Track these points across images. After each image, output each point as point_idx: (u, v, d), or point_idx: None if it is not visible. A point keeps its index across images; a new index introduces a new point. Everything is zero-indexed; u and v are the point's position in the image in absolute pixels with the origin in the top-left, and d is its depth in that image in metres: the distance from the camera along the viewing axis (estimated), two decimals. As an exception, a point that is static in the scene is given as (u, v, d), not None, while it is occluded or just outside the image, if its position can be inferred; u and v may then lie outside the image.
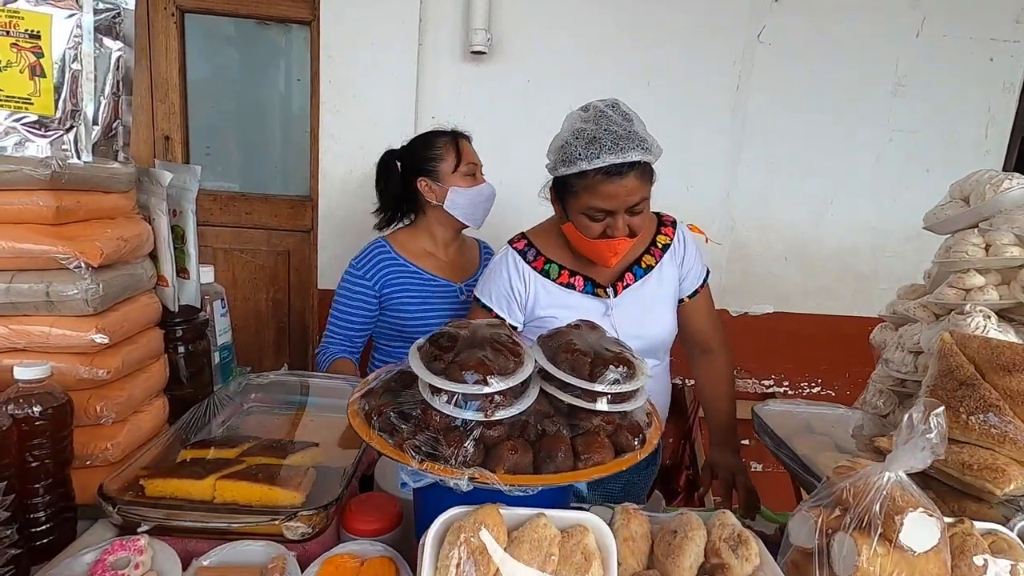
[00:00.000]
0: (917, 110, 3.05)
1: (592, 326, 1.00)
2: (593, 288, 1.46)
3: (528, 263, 1.49)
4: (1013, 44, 3.06)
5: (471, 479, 0.78)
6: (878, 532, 0.78)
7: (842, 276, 3.24)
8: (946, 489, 1.15)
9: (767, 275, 3.19)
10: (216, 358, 1.50)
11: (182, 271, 1.27)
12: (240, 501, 0.98)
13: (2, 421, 0.83)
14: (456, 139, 1.85)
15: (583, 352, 0.89)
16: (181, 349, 1.30)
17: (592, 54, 2.88)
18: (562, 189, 1.38)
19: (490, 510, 0.74)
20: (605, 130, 1.26)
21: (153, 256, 1.20)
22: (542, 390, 0.91)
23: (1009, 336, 1.26)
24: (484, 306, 1.52)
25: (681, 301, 1.55)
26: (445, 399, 0.85)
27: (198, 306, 1.31)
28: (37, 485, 0.91)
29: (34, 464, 0.90)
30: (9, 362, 0.92)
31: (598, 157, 1.25)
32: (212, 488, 0.99)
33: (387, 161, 1.90)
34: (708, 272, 1.61)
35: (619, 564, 0.78)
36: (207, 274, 1.52)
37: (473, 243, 2.04)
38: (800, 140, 3.04)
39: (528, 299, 1.48)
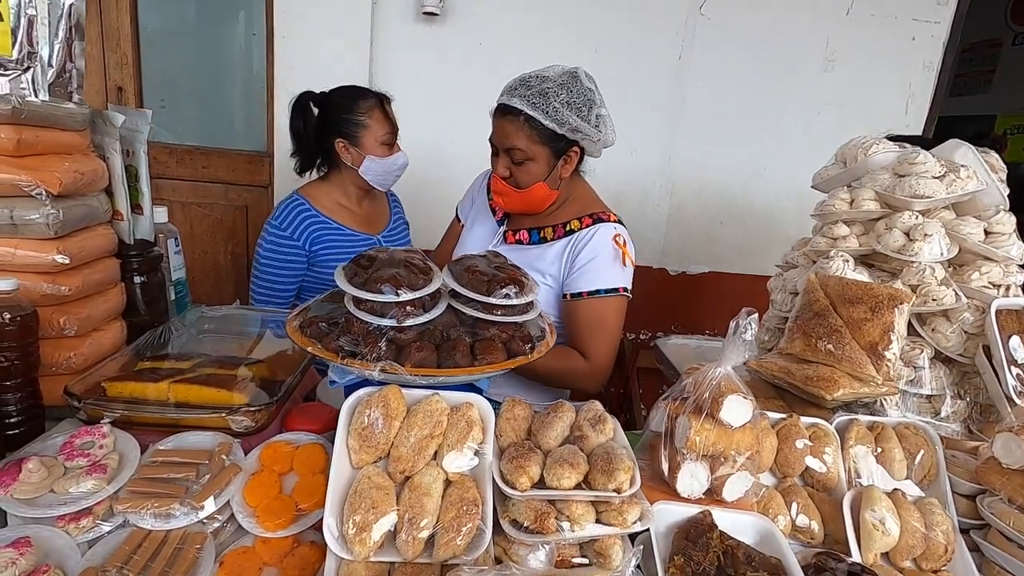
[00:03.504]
0: (844, 85, 3.28)
1: (496, 255, 1.17)
2: (502, 224, 1.61)
3: (487, 180, 1.67)
4: (934, 24, 3.29)
5: (383, 371, 0.96)
6: (706, 412, 1.00)
7: (771, 237, 3.49)
8: (796, 399, 1.39)
9: (704, 237, 3.43)
10: (172, 293, 1.63)
11: (136, 207, 1.39)
12: (192, 401, 1.14)
13: (-25, 325, 0.96)
14: (381, 104, 1.84)
15: (482, 273, 1.07)
16: (137, 279, 1.43)
17: (543, 19, 2.99)
18: None
19: (393, 389, 0.92)
20: (524, 78, 1.40)
21: (109, 192, 1.32)
22: (450, 305, 1.09)
23: (861, 276, 1.50)
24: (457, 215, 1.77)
25: (564, 297, 1.52)
26: (364, 308, 1.02)
27: (151, 240, 1.43)
28: (8, 383, 1.05)
29: (5, 364, 1.04)
30: (-22, 278, 1.04)
31: (502, 95, 1.41)
32: (167, 390, 1.14)
33: (304, 105, 1.85)
34: (617, 291, 1.50)
35: (500, 436, 0.98)
36: (161, 214, 1.64)
37: (381, 193, 2.05)
38: (736, 110, 3.24)
39: (475, 205, 1.69)
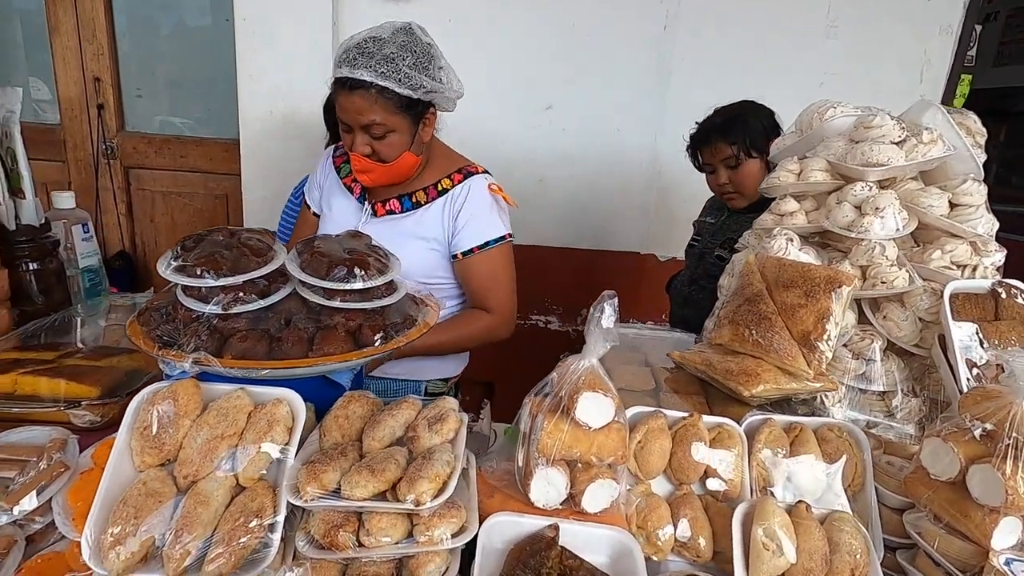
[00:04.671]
0: (849, 53, 3.01)
1: (356, 234, 1.06)
2: (365, 199, 1.50)
3: (334, 157, 1.57)
4: (952, -16, 2.98)
5: (195, 362, 0.87)
6: (561, 411, 0.87)
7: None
8: (720, 395, 1.23)
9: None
10: (83, 280, 1.59)
11: (17, 191, 1.33)
12: (40, 393, 1.08)
13: None
14: None
15: (322, 254, 0.96)
16: (28, 266, 1.38)
17: (515, -7, 2.84)
18: None
19: (186, 383, 0.83)
20: (359, 43, 1.28)
21: (-13, 176, 1.27)
22: (295, 290, 0.99)
23: (807, 257, 1.32)
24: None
25: (455, 257, 1.50)
26: (191, 294, 0.92)
27: (37, 225, 1.38)
28: None
29: None
30: None
31: (339, 67, 1.28)
32: (13, 382, 1.08)
33: (329, 107, 1.96)
34: (504, 238, 1.51)
35: (324, 435, 0.87)
36: (68, 199, 1.60)
37: None
38: (729, 83, 2.99)
39: (324, 189, 1.58)
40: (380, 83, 1.26)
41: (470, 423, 1.32)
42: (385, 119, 1.31)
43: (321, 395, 1.03)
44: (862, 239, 1.26)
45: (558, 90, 2.96)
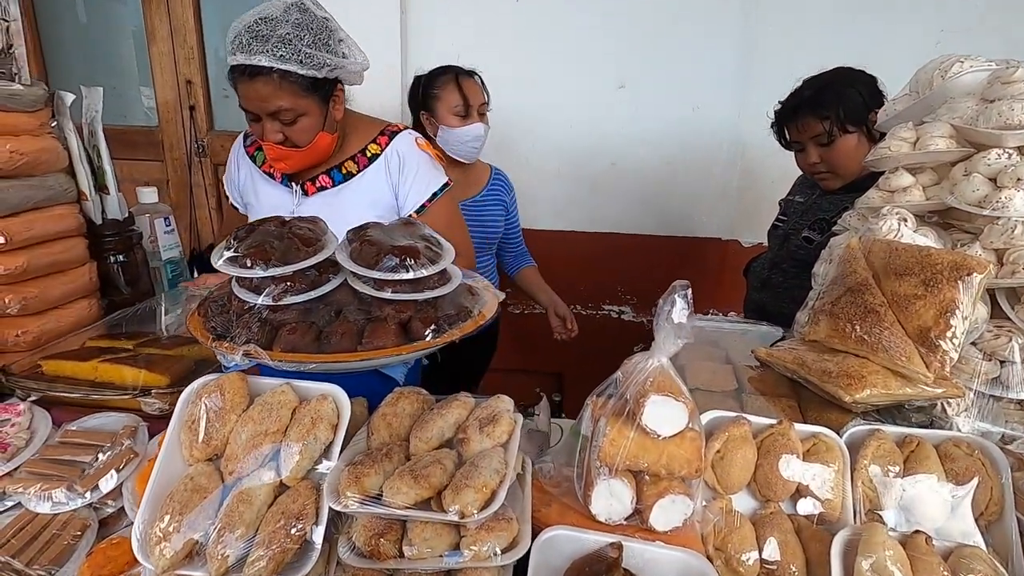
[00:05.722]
0: (971, 4, 2.61)
1: (407, 222, 1.01)
2: (290, 181, 1.44)
3: (245, 147, 1.51)
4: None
5: (245, 354, 0.85)
6: (626, 416, 0.77)
7: (871, 202, 2.93)
8: (815, 399, 1.08)
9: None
10: (166, 272, 1.66)
11: (103, 187, 1.40)
12: (116, 381, 1.12)
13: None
14: (456, 77, 1.90)
15: (372, 242, 0.91)
16: (114, 259, 1.45)
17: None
18: None
19: (232, 377, 0.81)
20: (249, 26, 1.20)
21: (73, 173, 1.34)
22: (346, 281, 0.95)
23: (924, 240, 1.13)
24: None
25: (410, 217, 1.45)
26: (244, 285, 0.91)
27: (120, 219, 1.45)
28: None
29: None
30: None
31: (233, 53, 1.21)
32: (95, 369, 1.13)
33: (412, 87, 2.00)
34: (447, 185, 1.51)
35: (373, 434, 0.83)
36: (150, 194, 1.67)
37: (483, 167, 2.09)
38: (823, 47, 2.69)
39: (243, 181, 1.51)
40: (281, 67, 1.19)
41: (526, 420, 1.26)
42: (293, 104, 1.25)
43: (374, 389, 0.99)
44: (998, 217, 1.06)
45: (631, 68, 2.80)
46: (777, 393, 1.14)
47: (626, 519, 0.79)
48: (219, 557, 0.68)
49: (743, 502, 0.90)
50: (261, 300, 0.89)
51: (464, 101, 1.88)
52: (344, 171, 1.44)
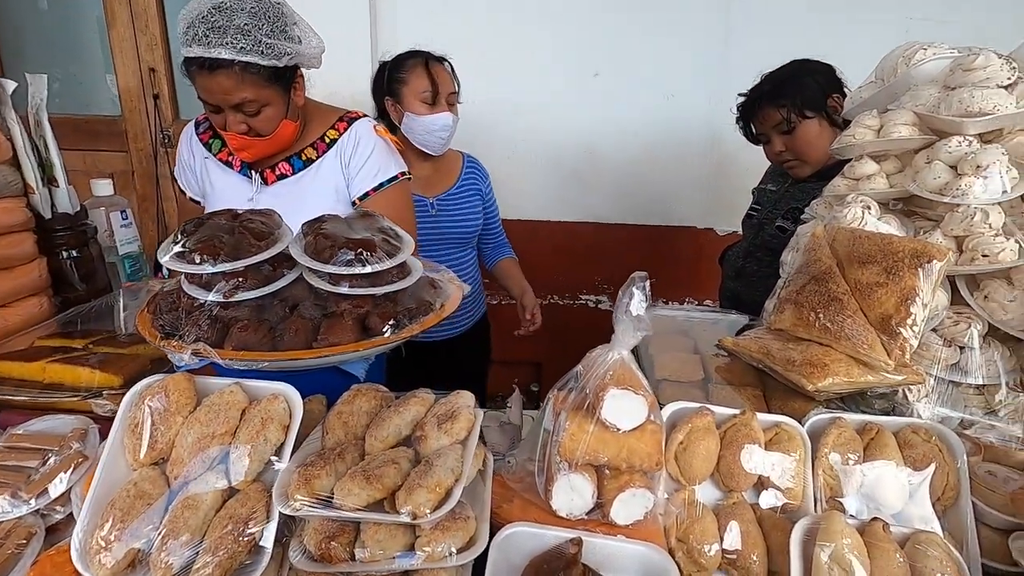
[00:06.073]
0: (940, -9, 2.63)
1: (365, 213, 0.98)
2: (249, 170, 1.42)
3: (198, 135, 1.47)
4: (1076, -99, 2.54)
5: (194, 353, 0.82)
6: (586, 409, 0.76)
7: (843, 189, 2.96)
8: (780, 388, 1.08)
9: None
10: (124, 267, 1.61)
11: (51, 180, 1.34)
12: (67, 382, 1.08)
13: None
14: (426, 62, 1.79)
15: (327, 236, 0.88)
16: (67, 254, 1.39)
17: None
18: None
19: (178, 377, 0.78)
20: (204, 16, 1.15)
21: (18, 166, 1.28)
22: (302, 276, 0.92)
23: (888, 227, 1.13)
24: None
25: (354, 204, 1.44)
26: (194, 281, 0.88)
27: (72, 213, 1.39)
28: None
29: None
30: None
31: (189, 45, 1.17)
32: (43, 370, 1.09)
33: (378, 71, 1.90)
34: (398, 177, 1.46)
35: (328, 433, 0.81)
36: (105, 187, 1.61)
37: (454, 156, 1.99)
38: (797, 37, 2.69)
39: (197, 171, 1.47)
40: (243, 59, 1.16)
41: (499, 412, 1.24)
42: (256, 95, 1.22)
43: (334, 386, 0.96)
44: (958, 204, 1.06)
45: (605, 55, 2.77)
46: (744, 382, 1.14)
47: (587, 514, 0.79)
48: (163, 565, 0.65)
49: (707, 493, 0.90)
50: (211, 297, 0.86)
51: (433, 87, 1.77)
52: (304, 158, 1.41)
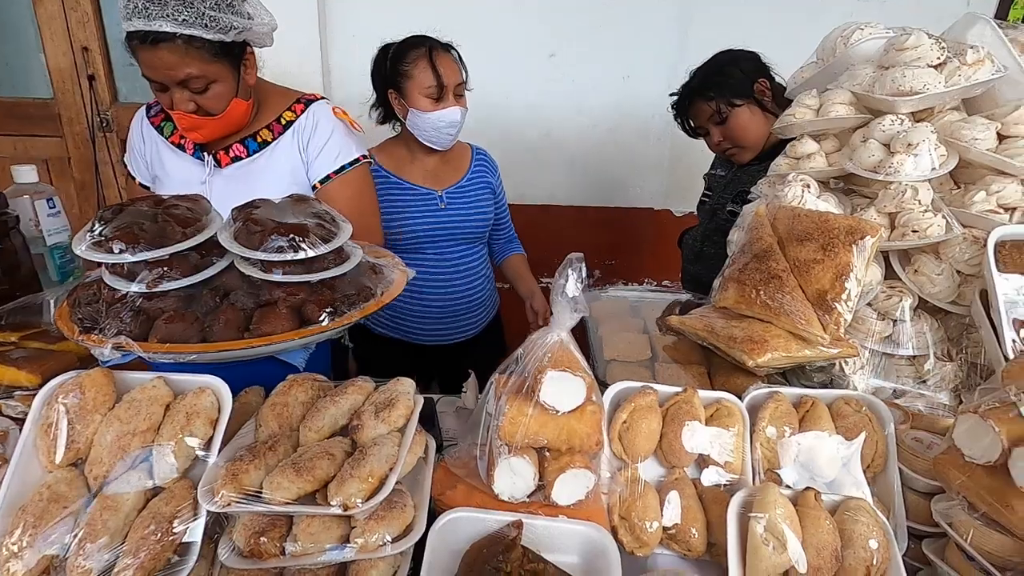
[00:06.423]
0: (885, -26, 2.69)
1: (300, 198, 0.95)
2: (202, 152, 1.37)
3: (149, 118, 1.42)
4: None
5: (116, 347, 0.78)
6: (525, 392, 0.75)
7: (794, 169, 3.02)
8: (725, 365, 1.10)
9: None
10: (53, 258, 1.52)
11: (-37, 167, 1.25)
12: (-18, 381, 1.02)
13: None
14: (429, 52, 1.65)
15: (256, 222, 0.85)
16: (-14, 246, 1.31)
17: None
18: None
19: (94, 373, 0.74)
20: None
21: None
22: (234, 263, 0.89)
23: (826, 205, 1.16)
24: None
25: (314, 188, 1.41)
26: (115, 272, 0.83)
27: (-8, 202, 1.30)
28: None
29: None
30: None
31: (129, 19, 1.12)
32: (-43, 369, 1.02)
33: (378, 57, 1.73)
34: (359, 160, 1.43)
35: (261, 425, 0.78)
36: (29, 173, 1.51)
37: (463, 147, 1.88)
38: (756, 19, 2.73)
39: (148, 155, 1.43)
40: (185, 32, 1.11)
41: (455, 396, 1.23)
42: (202, 70, 1.17)
43: (276, 378, 0.93)
44: (890, 182, 1.09)
45: (560, 36, 2.74)
46: (689, 360, 1.16)
47: (529, 496, 0.79)
48: (79, 570, 0.62)
49: (650, 470, 0.91)
50: (134, 288, 0.81)
51: (438, 82, 1.62)
52: (259, 140, 1.36)
